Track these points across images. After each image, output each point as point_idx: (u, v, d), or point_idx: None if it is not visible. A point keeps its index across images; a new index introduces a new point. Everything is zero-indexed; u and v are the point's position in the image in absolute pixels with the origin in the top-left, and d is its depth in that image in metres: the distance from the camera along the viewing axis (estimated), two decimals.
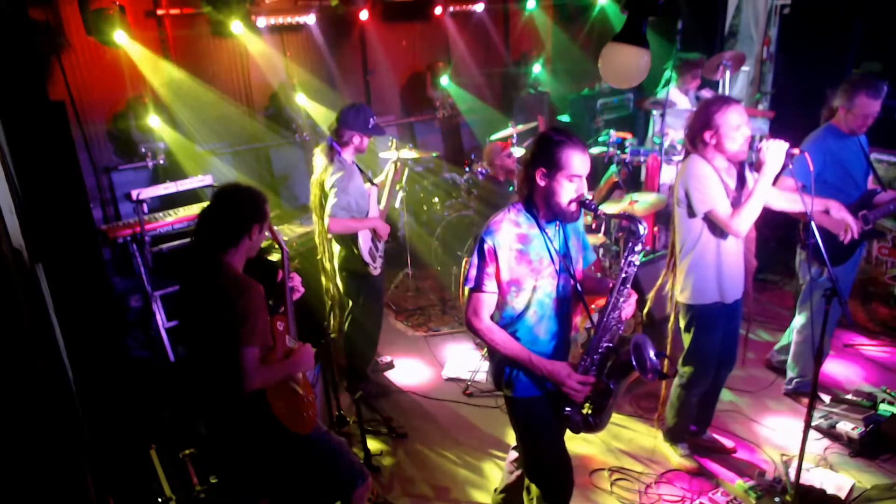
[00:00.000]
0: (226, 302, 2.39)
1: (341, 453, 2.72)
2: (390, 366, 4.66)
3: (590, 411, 2.50)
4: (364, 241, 3.94)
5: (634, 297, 2.47)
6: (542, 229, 2.40)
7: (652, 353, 2.39)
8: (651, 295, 3.50)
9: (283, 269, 2.80)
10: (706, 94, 5.69)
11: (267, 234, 2.68)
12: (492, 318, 2.46)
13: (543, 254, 2.40)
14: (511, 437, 2.83)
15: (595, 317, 2.47)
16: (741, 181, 3.06)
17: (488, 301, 2.42)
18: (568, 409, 2.48)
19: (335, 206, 3.71)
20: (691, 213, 3.01)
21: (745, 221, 2.91)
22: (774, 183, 3.03)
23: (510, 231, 2.38)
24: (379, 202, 4.13)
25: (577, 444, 3.67)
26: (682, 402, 3.40)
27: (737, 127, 2.89)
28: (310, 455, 2.65)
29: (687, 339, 3.26)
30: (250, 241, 2.54)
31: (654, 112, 5.89)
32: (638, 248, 2.38)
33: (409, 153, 5.71)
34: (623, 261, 2.41)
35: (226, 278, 2.45)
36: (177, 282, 3.59)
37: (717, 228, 3.01)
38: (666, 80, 5.79)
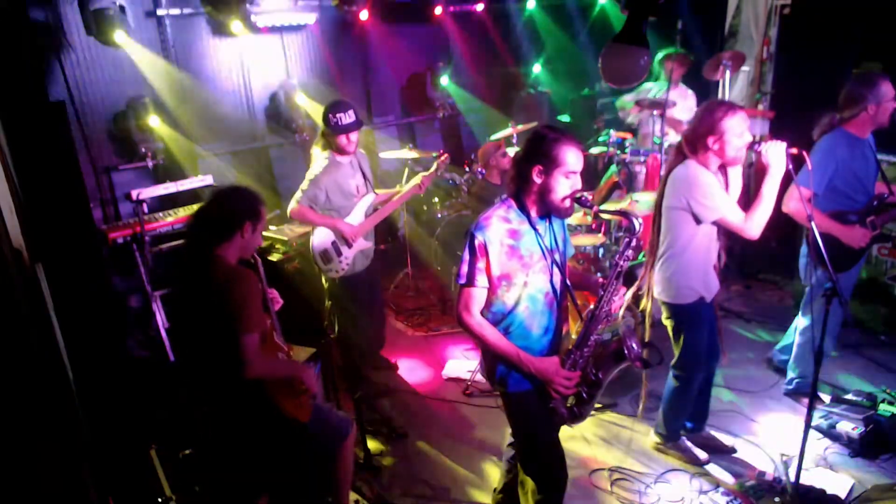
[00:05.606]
0: (221, 292, 2.44)
1: (323, 410, 2.84)
2: (391, 366, 4.66)
3: (574, 402, 2.55)
4: (319, 241, 3.91)
5: (624, 290, 2.51)
6: (532, 225, 2.42)
7: (635, 343, 2.46)
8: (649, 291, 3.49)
9: (261, 280, 2.87)
10: (679, 91, 5.70)
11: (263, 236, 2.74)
12: (482, 314, 2.47)
13: (534, 249, 2.42)
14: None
15: (586, 312, 2.50)
16: (727, 182, 3.10)
17: (479, 296, 2.43)
18: (553, 401, 2.51)
19: (302, 194, 3.81)
20: (696, 220, 3.01)
21: (758, 224, 2.94)
22: (784, 191, 3.04)
23: (500, 227, 2.39)
24: (374, 209, 4.08)
25: (577, 444, 3.67)
26: (679, 403, 3.42)
27: (740, 133, 2.90)
28: (306, 436, 2.73)
29: (678, 339, 3.27)
30: (242, 238, 2.58)
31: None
32: (633, 243, 2.42)
33: (409, 153, 5.70)
34: (618, 255, 2.45)
35: (219, 269, 2.50)
36: (174, 282, 3.60)
37: (710, 230, 3.03)
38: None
